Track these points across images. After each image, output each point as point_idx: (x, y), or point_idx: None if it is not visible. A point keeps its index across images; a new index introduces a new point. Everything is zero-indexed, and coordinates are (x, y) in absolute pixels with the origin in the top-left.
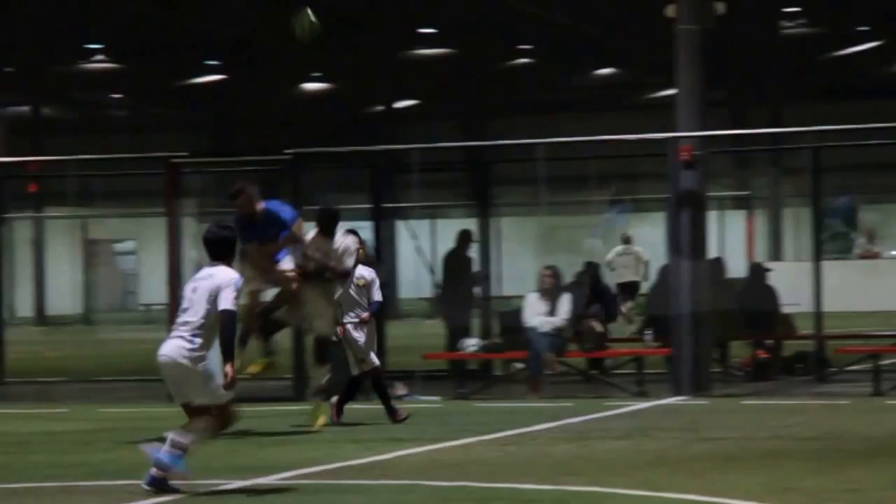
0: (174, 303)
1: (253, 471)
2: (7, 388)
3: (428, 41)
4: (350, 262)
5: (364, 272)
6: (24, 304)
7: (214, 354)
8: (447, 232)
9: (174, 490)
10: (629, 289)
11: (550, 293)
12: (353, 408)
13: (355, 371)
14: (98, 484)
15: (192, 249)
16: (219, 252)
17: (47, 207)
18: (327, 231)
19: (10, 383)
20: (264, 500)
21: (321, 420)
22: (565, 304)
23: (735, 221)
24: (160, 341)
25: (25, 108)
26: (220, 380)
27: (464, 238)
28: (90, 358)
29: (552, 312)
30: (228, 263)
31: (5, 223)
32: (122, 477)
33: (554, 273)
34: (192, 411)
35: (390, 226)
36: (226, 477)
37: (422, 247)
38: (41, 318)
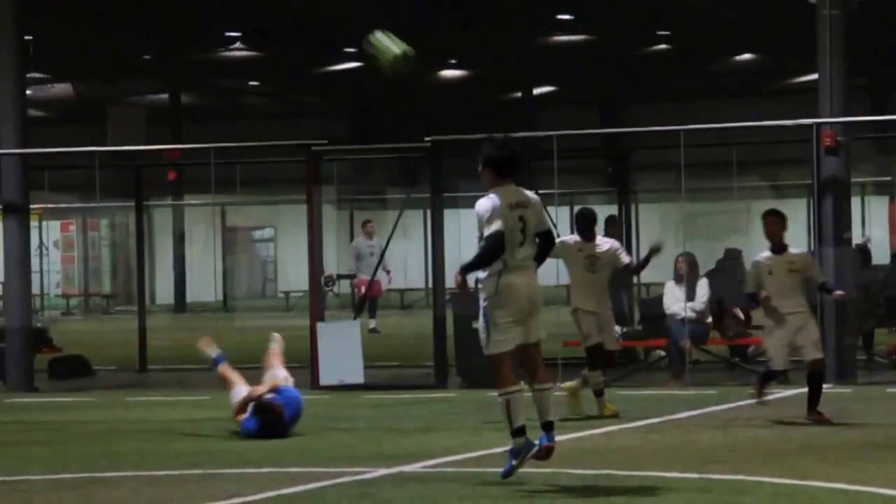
0: (314, 290)
1: (397, 459)
2: (148, 376)
3: (565, 27)
4: (626, 256)
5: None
6: (164, 292)
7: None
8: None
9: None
10: None
11: (687, 280)
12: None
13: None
14: (242, 472)
15: (330, 237)
16: None
17: (187, 195)
18: (587, 234)
19: (152, 371)
20: (409, 489)
21: (610, 408)
22: (702, 290)
23: (878, 207)
24: (299, 329)
25: (165, 96)
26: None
27: (611, 224)
28: (230, 345)
29: (689, 299)
30: None
31: (145, 211)
32: (266, 465)
33: (688, 260)
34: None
35: None
36: (370, 465)
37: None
38: (181, 305)
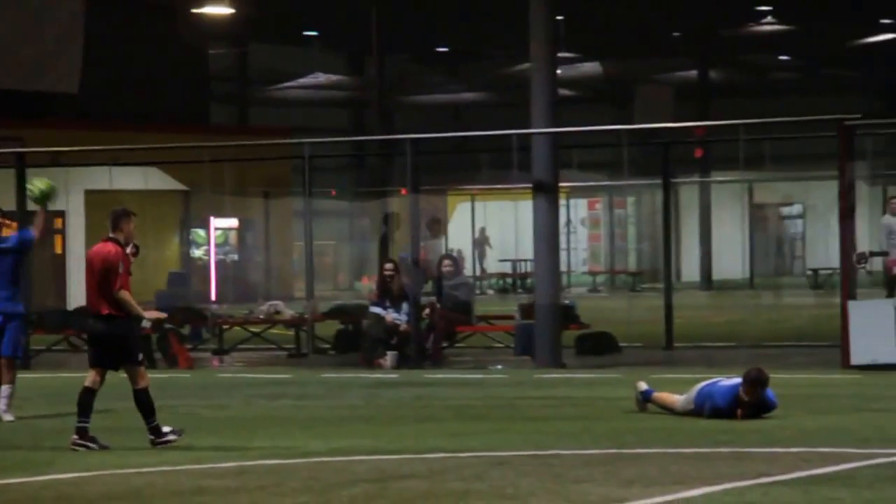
0: (846, 267)
1: None
2: (675, 354)
3: None
4: None
5: None
6: (690, 269)
7: None
8: None
9: None
10: None
11: None
12: None
13: None
14: (771, 451)
15: (862, 213)
16: None
17: (714, 172)
18: None
19: (678, 348)
20: None
21: None
22: None
23: None
24: (829, 307)
25: (693, 73)
26: None
27: None
28: (756, 323)
29: None
30: None
31: (672, 188)
32: (796, 444)
33: None
34: None
35: None
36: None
37: None
38: (707, 282)
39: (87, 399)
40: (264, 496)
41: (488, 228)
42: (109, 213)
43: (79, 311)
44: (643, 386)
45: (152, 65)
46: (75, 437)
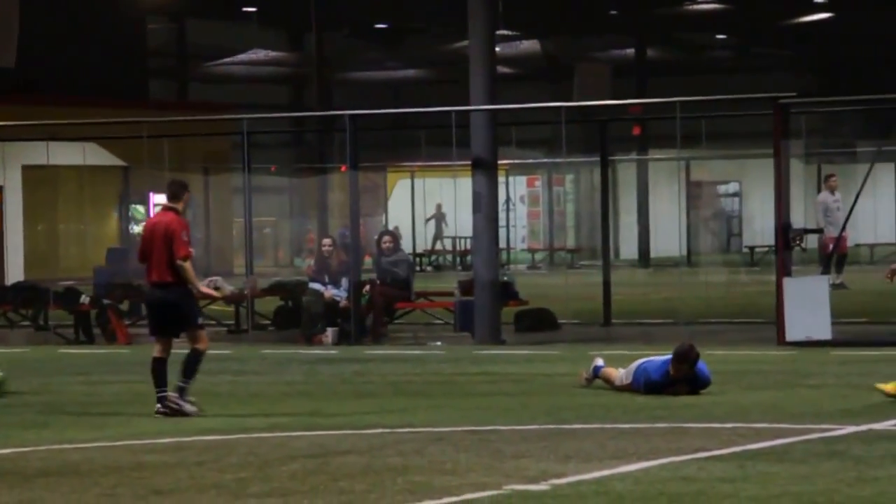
0: (781, 245)
1: (866, 416)
2: (613, 330)
3: None
4: None
5: None
6: (628, 246)
7: None
8: None
9: None
10: None
11: None
12: None
13: None
14: (707, 426)
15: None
16: None
17: (651, 150)
18: None
19: (616, 325)
20: (879, 447)
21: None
22: None
23: None
24: (765, 284)
25: (631, 51)
26: None
27: None
28: (693, 300)
29: None
30: None
31: (610, 166)
32: (732, 420)
33: None
34: None
35: None
36: (838, 422)
37: None
38: (644, 260)
39: (159, 369)
40: (203, 471)
41: (428, 205)
42: (168, 184)
43: (21, 285)
44: (598, 361)
45: (90, 40)
46: (158, 405)
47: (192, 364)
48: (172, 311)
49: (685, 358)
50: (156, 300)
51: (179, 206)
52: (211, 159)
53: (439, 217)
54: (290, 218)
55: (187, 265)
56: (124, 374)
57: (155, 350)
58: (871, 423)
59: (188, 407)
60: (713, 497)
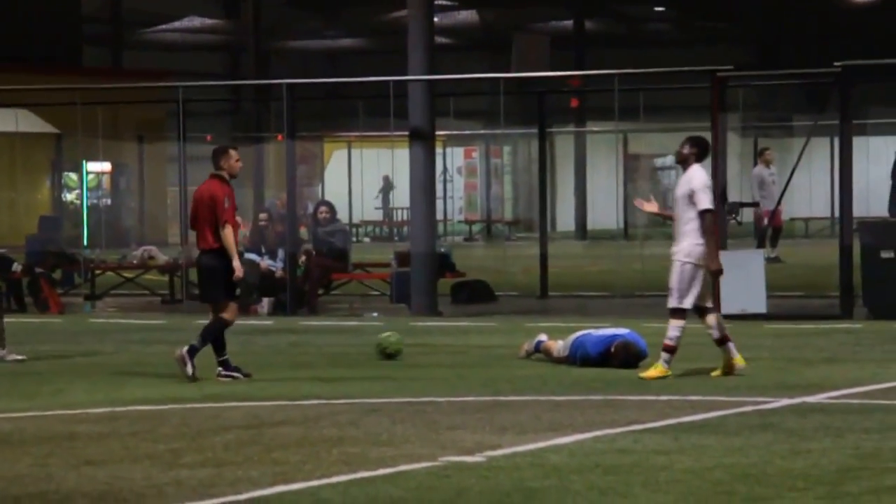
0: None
1: (800, 389)
2: (549, 302)
3: None
4: None
5: None
6: (565, 219)
7: None
8: None
9: None
10: None
11: None
12: None
13: None
14: (642, 398)
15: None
16: None
17: (589, 122)
18: None
19: (553, 297)
20: (812, 419)
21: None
22: None
23: None
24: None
25: (569, 23)
26: None
27: None
28: (630, 273)
29: None
30: None
31: (548, 138)
32: (667, 392)
33: None
34: None
35: None
36: (772, 395)
37: None
38: (582, 231)
39: (218, 331)
40: (136, 441)
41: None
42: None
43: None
44: (542, 336)
45: (24, 6)
46: (220, 369)
47: (212, 330)
48: (216, 276)
49: (625, 362)
50: (200, 266)
51: (224, 173)
52: (145, 127)
53: (388, 187)
54: None
55: (228, 232)
56: (56, 343)
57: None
58: (804, 395)
59: (189, 368)
60: (648, 469)
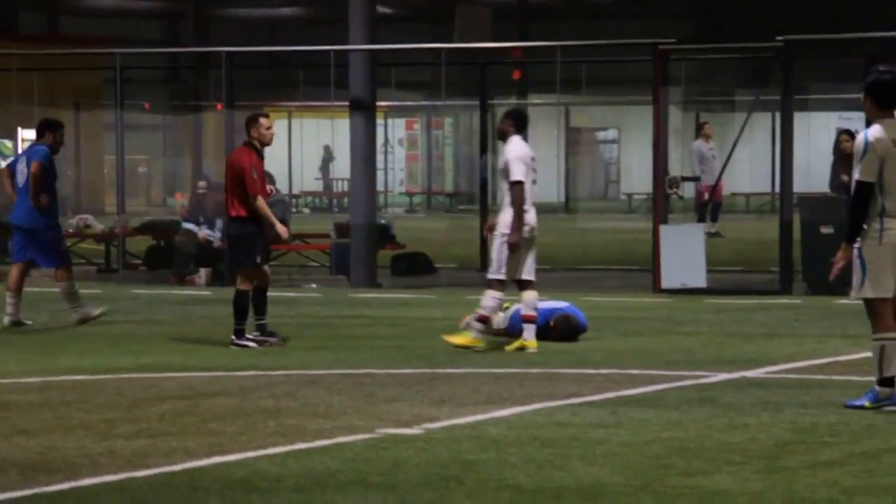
0: (659, 193)
1: (739, 364)
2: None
3: None
4: None
5: None
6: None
7: None
8: None
9: None
10: None
11: None
12: (843, 303)
13: None
14: (581, 372)
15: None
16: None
17: (531, 94)
18: None
19: None
20: (750, 394)
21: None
22: None
23: None
24: (642, 231)
25: None
26: None
27: None
28: (572, 247)
29: None
30: None
31: (489, 110)
32: (606, 366)
33: None
34: None
35: None
36: (711, 369)
37: None
38: None
39: (251, 301)
40: (70, 411)
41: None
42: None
43: None
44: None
45: None
46: (258, 334)
47: (238, 306)
48: (241, 243)
49: (564, 336)
50: (232, 234)
51: (254, 141)
52: (82, 95)
53: (328, 158)
54: (163, 156)
55: (260, 204)
56: None
57: (240, 284)
58: (743, 370)
59: (250, 343)
60: (586, 442)
